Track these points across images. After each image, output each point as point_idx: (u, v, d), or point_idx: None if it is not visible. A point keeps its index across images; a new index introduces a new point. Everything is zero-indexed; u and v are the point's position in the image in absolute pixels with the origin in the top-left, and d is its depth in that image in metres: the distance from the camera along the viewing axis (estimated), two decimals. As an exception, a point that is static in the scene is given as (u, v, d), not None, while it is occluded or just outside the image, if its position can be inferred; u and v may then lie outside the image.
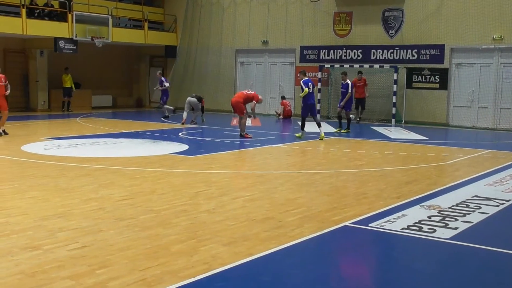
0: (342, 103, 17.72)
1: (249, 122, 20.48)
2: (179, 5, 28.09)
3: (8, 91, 15.66)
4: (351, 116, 19.10)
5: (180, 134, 16.29)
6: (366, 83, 21.65)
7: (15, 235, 6.02)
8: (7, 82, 15.56)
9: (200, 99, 19.61)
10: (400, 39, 21.96)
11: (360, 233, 6.61)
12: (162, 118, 21.39)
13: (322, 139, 15.46)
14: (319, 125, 16.03)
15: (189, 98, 19.69)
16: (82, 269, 5.05)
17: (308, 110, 16.03)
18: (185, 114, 19.50)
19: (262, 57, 25.78)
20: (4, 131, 15.27)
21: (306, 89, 15.59)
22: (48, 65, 24.86)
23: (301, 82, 15.93)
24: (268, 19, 25.18)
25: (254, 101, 15.89)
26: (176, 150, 13.07)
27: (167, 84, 22.21)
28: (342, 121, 18.11)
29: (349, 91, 17.51)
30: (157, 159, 11.83)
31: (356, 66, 22.49)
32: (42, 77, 24.73)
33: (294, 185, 9.40)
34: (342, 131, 17.66)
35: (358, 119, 21.78)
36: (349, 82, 17.75)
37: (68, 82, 24.74)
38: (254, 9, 25.60)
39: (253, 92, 16.31)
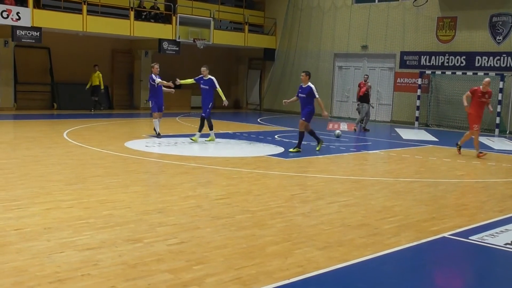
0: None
1: (345, 127, 20.33)
2: (279, 8, 28.32)
3: None
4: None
5: (276, 136, 16.40)
6: None
7: (119, 227, 6.30)
8: None
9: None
10: (509, 46, 20.99)
11: (460, 246, 6.38)
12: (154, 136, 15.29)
13: (195, 141, 14.41)
14: (211, 128, 14.76)
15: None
16: (180, 264, 5.20)
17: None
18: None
19: (361, 61, 25.48)
20: None
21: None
22: (152, 65, 25.80)
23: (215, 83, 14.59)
24: (368, 24, 24.85)
25: None
26: (272, 152, 13.18)
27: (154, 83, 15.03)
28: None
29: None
30: (253, 160, 11.98)
31: (459, 73, 21.75)
32: (145, 77, 25.69)
33: (391, 192, 9.22)
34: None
35: None
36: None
37: (96, 80, 22.58)
38: (354, 13, 25.36)
39: None
